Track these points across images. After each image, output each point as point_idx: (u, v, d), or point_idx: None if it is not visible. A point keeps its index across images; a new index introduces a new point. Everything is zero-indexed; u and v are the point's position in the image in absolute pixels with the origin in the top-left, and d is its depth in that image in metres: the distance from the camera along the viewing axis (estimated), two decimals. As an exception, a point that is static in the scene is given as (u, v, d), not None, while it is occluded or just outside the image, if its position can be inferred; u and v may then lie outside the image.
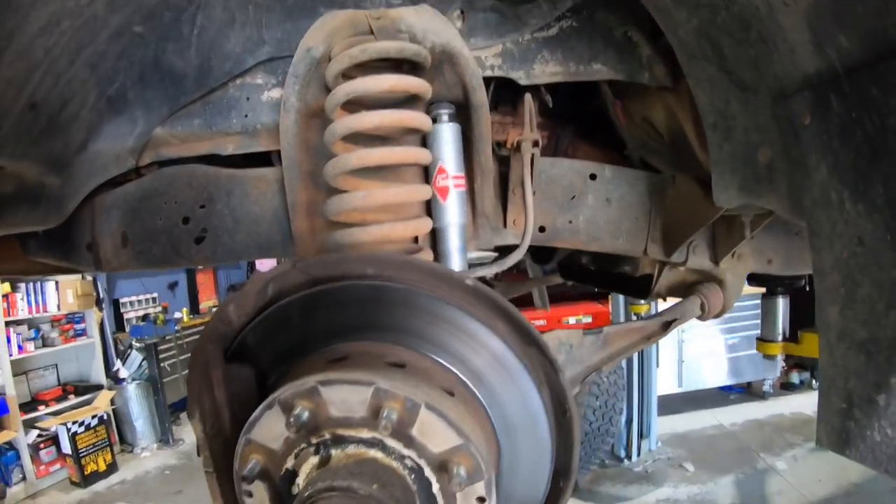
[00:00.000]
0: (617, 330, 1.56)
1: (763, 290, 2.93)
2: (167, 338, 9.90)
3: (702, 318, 1.81)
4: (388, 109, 1.23)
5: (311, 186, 1.42)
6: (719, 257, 1.73)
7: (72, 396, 8.52)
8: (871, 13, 0.88)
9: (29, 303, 8.26)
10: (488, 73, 1.45)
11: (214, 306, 12.44)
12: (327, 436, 0.88)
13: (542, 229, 1.60)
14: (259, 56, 1.46)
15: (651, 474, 6.74)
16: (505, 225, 1.57)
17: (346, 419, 0.87)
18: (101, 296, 9.78)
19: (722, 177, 1.31)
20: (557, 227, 1.61)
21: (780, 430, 7.58)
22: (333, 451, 0.87)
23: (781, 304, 2.58)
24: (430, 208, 1.42)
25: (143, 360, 9.34)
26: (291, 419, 0.86)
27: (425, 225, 1.33)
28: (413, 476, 0.86)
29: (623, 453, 7.08)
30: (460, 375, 0.98)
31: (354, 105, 1.27)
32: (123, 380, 9.09)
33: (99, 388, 8.85)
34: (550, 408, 0.97)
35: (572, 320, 7.79)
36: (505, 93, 1.60)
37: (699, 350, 8.40)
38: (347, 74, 1.26)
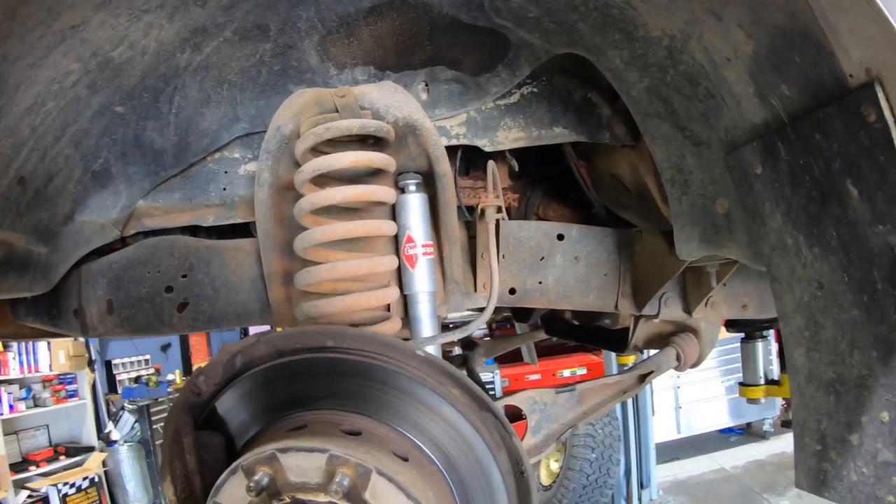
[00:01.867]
0: (591, 386, 1.58)
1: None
2: (159, 400, 9.75)
3: (678, 368, 1.83)
4: (352, 185, 1.31)
5: (286, 256, 1.46)
6: (692, 307, 1.77)
7: (63, 457, 8.39)
8: (807, 62, 0.93)
9: (21, 362, 8.21)
10: (454, 141, 1.52)
11: (207, 366, 12.28)
12: (287, 499, 0.93)
13: (512, 291, 1.64)
14: (234, 132, 1.52)
15: (654, 524, 6.60)
16: (475, 289, 1.61)
17: (303, 484, 0.92)
18: (94, 357, 9.71)
19: (683, 229, 1.35)
20: (527, 288, 1.65)
21: (782, 468, 7.45)
22: None
23: (760, 348, 2.60)
24: (401, 276, 1.45)
25: (135, 421, 9.19)
26: (252, 484, 0.91)
27: (393, 294, 1.37)
28: None
29: None
30: (416, 441, 1.02)
31: (324, 178, 1.32)
32: (115, 442, 8.92)
33: (90, 449, 8.71)
34: (508, 468, 1.01)
35: (567, 373, 7.71)
36: (475, 158, 1.66)
37: (696, 394, 8.32)
38: (317, 149, 1.32)
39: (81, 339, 9.02)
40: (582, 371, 7.66)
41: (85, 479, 7.86)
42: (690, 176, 1.32)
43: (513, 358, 4.28)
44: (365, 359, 1.01)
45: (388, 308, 1.45)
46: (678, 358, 1.80)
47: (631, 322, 1.92)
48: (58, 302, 1.65)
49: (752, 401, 2.69)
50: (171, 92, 1.46)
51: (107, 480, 8.57)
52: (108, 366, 10.48)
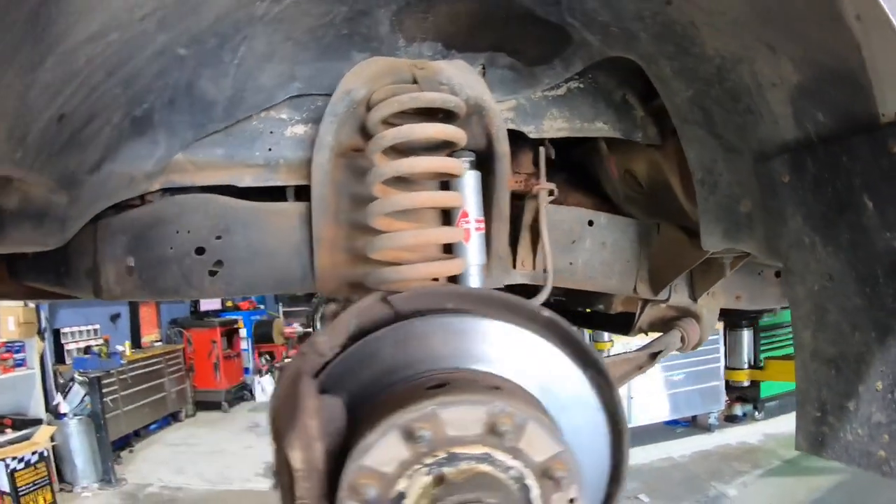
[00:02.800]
0: (613, 361, 1.72)
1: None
2: (111, 372, 9.52)
3: (682, 349, 2.00)
4: (429, 156, 1.35)
5: (335, 223, 1.49)
6: (697, 294, 1.94)
7: (9, 430, 8.00)
8: (844, 97, 1.09)
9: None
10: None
11: (157, 341, 12.02)
12: (441, 455, 0.93)
13: (544, 270, 1.76)
14: (289, 91, 1.49)
15: (606, 507, 6.87)
16: (514, 266, 1.72)
17: (461, 438, 0.93)
18: (44, 325, 9.36)
19: (708, 225, 1.50)
20: (558, 268, 1.76)
21: (727, 459, 7.88)
22: (445, 470, 0.93)
23: (746, 336, 2.83)
24: (450, 249, 1.52)
25: (85, 394, 8.90)
26: (416, 440, 0.91)
27: (461, 264, 1.42)
28: (517, 486, 0.94)
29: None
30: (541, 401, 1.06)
31: (395, 149, 1.35)
32: (64, 415, 8.62)
33: (38, 422, 8.33)
34: (608, 424, 1.09)
35: None
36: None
37: (646, 387, 8.69)
38: (387, 119, 1.35)
39: (32, 305, 8.67)
40: None
41: (34, 453, 7.54)
42: (720, 178, 1.46)
43: None
44: (486, 318, 1.05)
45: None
46: (682, 340, 1.97)
47: (637, 306, 2.08)
48: (67, 259, 1.56)
49: (736, 382, 2.93)
50: (238, 41, 1.38)
51: (54, 455, 8.29)
52: (56, 335, 10.13)
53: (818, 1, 1.01)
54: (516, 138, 1.62)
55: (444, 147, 1.42)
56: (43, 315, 9.26)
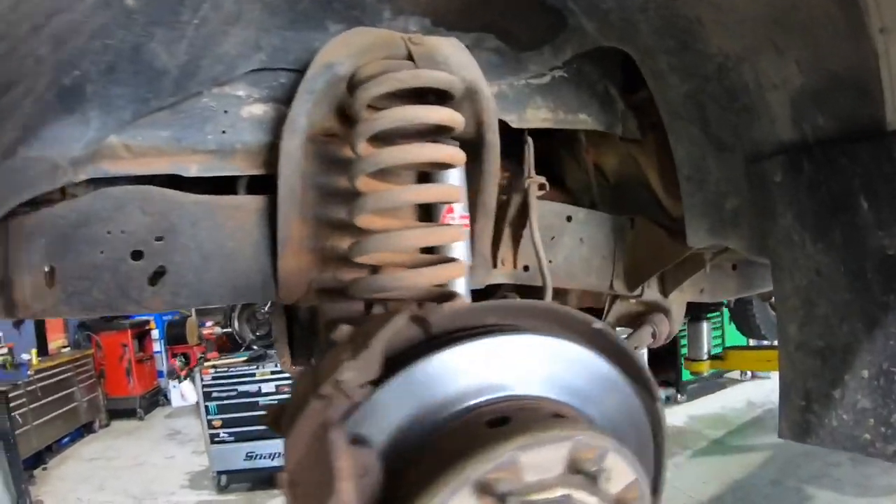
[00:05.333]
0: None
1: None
2: (18, 384, 8.81)
3: (653, 345, 2.01)
4: (424, 143, 1.20)
5: (302, 220, 1.32)
6: (669, 290, 1.95)
7: None
8: (848, 103, 1.12)
9: None
10: None
11: (64, 346, 11.23)
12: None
13: (526, 268, 1.71)
14: (251, 63, 1.26)
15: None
16: (495, 265, 1.65)
17: (540, 483, 0.77)
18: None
19: (694, 221, 1.50)
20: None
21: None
22: None
23: (706, 327, 2.91)
24: (434, 247, 1.40)
25: (-9, 411, 8.19)
26: (494, 494, 0.75)
27: (462, 268, 1.30)
28: None
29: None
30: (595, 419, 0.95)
31: (375, 136, 1.19)
32: (-34, 434, 7.92)
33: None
34: (652, 437, 1.01)
35: None
36: None
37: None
38: (372, 102, 1.20)
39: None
40: None
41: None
42: (708, 175, 1.46)
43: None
44: (537, 333, 0.92)
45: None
46: (653, 335, 1.98)
47: (606, 301, 2.06)
48: None
49: (695, 374, 3.01)
50: None
51: (-46, 479, 7.57)
52: (-51, 346, 9.29)
53: (841, 10, 1.01)
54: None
55: (434, 134, 1.26)
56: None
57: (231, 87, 1.29)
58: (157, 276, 1.28)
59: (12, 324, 10.48)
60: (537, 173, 1.93)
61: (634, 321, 2.07)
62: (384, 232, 1.20)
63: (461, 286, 1.41)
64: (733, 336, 6.99)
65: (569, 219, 1.75)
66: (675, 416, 8.62)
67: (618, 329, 2.13)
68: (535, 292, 2.16)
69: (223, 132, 1.28)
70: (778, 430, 1.38)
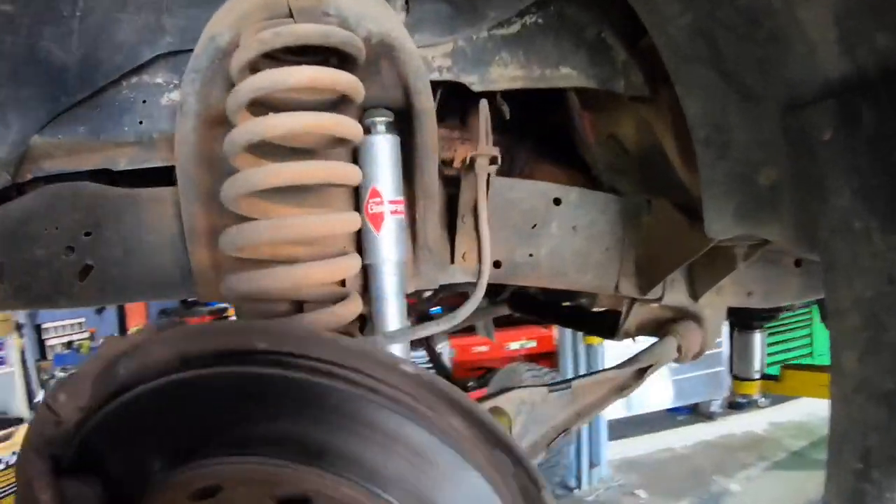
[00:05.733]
0: (586, 383, 1.32)
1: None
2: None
3: (679, 360, 1.59)
4: (307, 112, 0.97)
5: (215, 210, 1.15)
6: (699, 292, 1.52)
7: (-11, 430, 7.78)
8: None
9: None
10: (436, 76, 1.21)
11: (145, 331, 11.75)
12: None
13: (497, 264, 1.36)
14: (158, 48, 1.21)
15: (603, 503, 6.56)
16: (453, 260, 1.32)
17: None
18: (21, 321, 9.11)
19: (715, 202, 1.11)
20: (516, 261, 1.37)
21: (731, 450, 7.54)
22: None
23: (759, 340, 2.38)
24: (360, 241, 1.16)
25: (66, 391, 8.67)
26: None
27: (354, 264, 1.06)
28: None
29: (574, 482, 6.88)
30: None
31: (266, 108, 1.00)
32: (44, 413, 8.40)
33: (19, 421, 8.13)
34: None
35: (515, 345, 7.60)
36: (452, 102, 1.36)
37: (646, 372, 8.34)
38: (257, 67, 1.00)
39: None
40: (531, 344, 7.56)
41: (13, 453, 7.26)
42: (731, 136, 1.08)
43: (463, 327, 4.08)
44: (315, 375, 0.64)
45: (342, 283, 1.15)
46: (679, 349, 1.56)
47: (624, 305, 1.66)
48: None
49: (745, 396, 2.51)
50: None
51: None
52: (37, 330, 9.85)
53: None
54: (463, 94, 1.25)
55: (341, 104, 1.05)
56: (23, 312, 9.02)
57: (150, 75, 1.25)
58: (85, 270, 1.26)
59: (95, 310, 11.15)
60: (543, 150, 1.59)
61: (660, 329, 1.65)
62: (250, 222, 0.99)
63: (391, 286, 1.13)
64: (823, 339, 6.13)
65: (556, 202, 1.38)
66: (756, 422, 7.96)
67: (638, 339, 1.72)
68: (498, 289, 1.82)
69: (140, 122, 1.25)
70: (823, 497, 1.01)
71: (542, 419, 1.27)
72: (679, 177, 1.29)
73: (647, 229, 1.42)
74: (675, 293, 1.52)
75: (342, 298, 1.05)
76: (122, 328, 11.44)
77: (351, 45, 0.98)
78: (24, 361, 8.80)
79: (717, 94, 1.05)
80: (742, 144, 1.06)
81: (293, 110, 0.99)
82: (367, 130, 1.12)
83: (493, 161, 1.19)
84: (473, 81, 1.22)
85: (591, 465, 6.90)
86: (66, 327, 10.33)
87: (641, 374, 1.49)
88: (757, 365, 2.52)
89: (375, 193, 1.11)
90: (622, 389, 1.44)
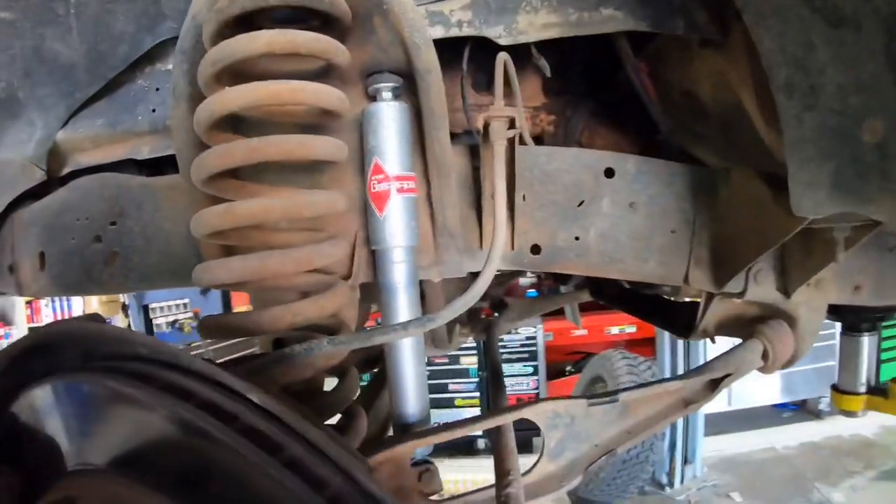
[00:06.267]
0: (640, 396, 1.10)
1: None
2: (193, 345, 9.76)
3: (764, 369, 1.32)
4: (275, 81, 0.85)
5: (209, 197, 1.05)
6: (791, 287, 1.23)
7: (94, 406, 8.43)
8: None
9: (54, 310, 8.23)
10: (454, 31, 1.04)
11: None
12: None
13: (535, 249, 1.16)
14: (160, 33, 1.22)
15: (694, 505, 6.15)
16: (482, 244, 1.14)
17: None
18: (127, 302, 9.75)
19: (804, 168, 0.86)
20: (558, 245, 1.16)
21: (837, 454, 6.84)
22: None
23: (867, 346, 1.97)
24: (368, 224, 1.01)
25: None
26: None
27: (330, 251, 0.92)
28: None
29: (665, 479, 6.47)
30: None
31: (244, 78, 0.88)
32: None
33: (123, 396, 8.76)
34: None
35: (615, 330, 7.24)
36: (484, 61, 1.16)
37: (749, 364, 7.72)
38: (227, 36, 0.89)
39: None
40: (631, 329, 7.21)
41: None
42: (820, 78, 0.82)
43: (559, 309, 3.89)
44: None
45: (349, 269, 1.01)
46: (765, 355, 1.29)
47: (702, 297, 1.40)
48: None
49: (848, 413, 2.13)
50: None
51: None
52: (145, 310, 10.49)
53: None
54: (493, 51, 1.06)
55: (331, 72, 0.94)
56: (130, 294, 9.64)
57: (162, 62, 1.27)
58: (111, 259, 1.28)
59: (199, 291, 11.75)
60: (608, 112, 1.36)
61: (746, 329, 1.37)
62: (211, 207, 0.90)
63: (401, 273, 0.99)
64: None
65: (609, 173, 1.15)
66: (867, 424, 7.18)
67: (717, 340, 1.45)
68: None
69: (153, 110, 1.26)
70: None
71: (584, 436, 1.06)
72: (761, 138, 1.03)
73: (725, 206, 1.16)
74: (761, 287, 1.23)
75: (327, 288, 0.92)
76: (227, 307, 11.99)
77: (326, 4, 0.84)
78: (131, 339, 9.46)
79: (798, 22, 0.79)
80: (836, 89, 0.80)
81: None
82: (374, 98, 0.98)
83: (511, 124, 0.98)
84: (499, 34, 1.03)
85: (685, 461, 6.47)
86: (171, 307, 10.94)
87: (715, 385, 1.23)
88: (863, 376, 2.11)
89: (378, 169, 0.95)
90: (687, 405, 1.20)
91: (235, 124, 0.97)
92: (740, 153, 1.18)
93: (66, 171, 1.36)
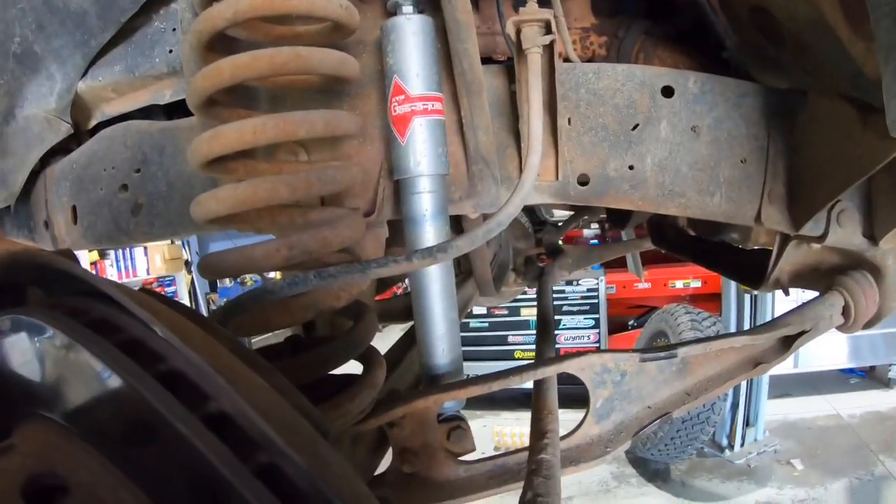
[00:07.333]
0: (701, 352, 0.96)
1: None
2: (253, 297, 10.14)
3: (844, 328, 1.15)
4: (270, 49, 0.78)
5: None
6: (880, 232, 1.05)
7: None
8: None
9: (119, 269, 8.50)
10: None
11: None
12: None
13: (583, 180, 1.03)
14: None
15: (753, 470, 5.92)
16: (521, 172, 1.01)
17: None
18: (190, 258, 10.08)
19: None
20: (608, 176, 1.02)
21: (903, 426, 6.49)
22: None
23: None
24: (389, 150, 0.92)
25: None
26: None
27: (329, 177, 0.80)
28: None
29: (725, 442, 6.27)
30: None
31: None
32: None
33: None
34: None
35: (679, 284, 7.04)
36: None
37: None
38: None
39: (178, 242, 9.33)
40: (696, 284, 6.96)
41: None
42: None
43: (622, 261, 3.71)
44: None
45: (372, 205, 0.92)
46: (846, 311, 1.12)
47: (775, 242, 1.23)
48: (32, 212, 1.49)
49: None
50: None
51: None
52: (207, 265, 10.91)
53: None
54: None
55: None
56: (190, 249, 9.96)
57: (178, 2, 1.17)
58: (137, 207, 1.27)
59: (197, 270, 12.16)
60: (665, 31, 1.20)
61: (824, 280, 1.20)
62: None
63: (428, 204, 0.90)
64: None
65: (667, 92, 1.00)
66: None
67: (791, 292, 1.28)
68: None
69: (170, 51, 1.20)
70: None
71: (635, 395, 0.94)
72: (847, 52, 0.86)
73: (803, 133, 1.00)
74: (844, 230, 1.06)
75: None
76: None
77: None
78: (192, 295, 9.73)
79: None
80: None
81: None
82: (393, 12, 0.87)
83: (547, 29, 0.83)
84: None
85: (747, 424, 6.25)
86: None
87: (788, 343, 1.08)
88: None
89: (399, 89, 0.84)
90: (756, 365, 1.05)
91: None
92: (818, 79, 1.01)
93: (93, 122, 1.35)
